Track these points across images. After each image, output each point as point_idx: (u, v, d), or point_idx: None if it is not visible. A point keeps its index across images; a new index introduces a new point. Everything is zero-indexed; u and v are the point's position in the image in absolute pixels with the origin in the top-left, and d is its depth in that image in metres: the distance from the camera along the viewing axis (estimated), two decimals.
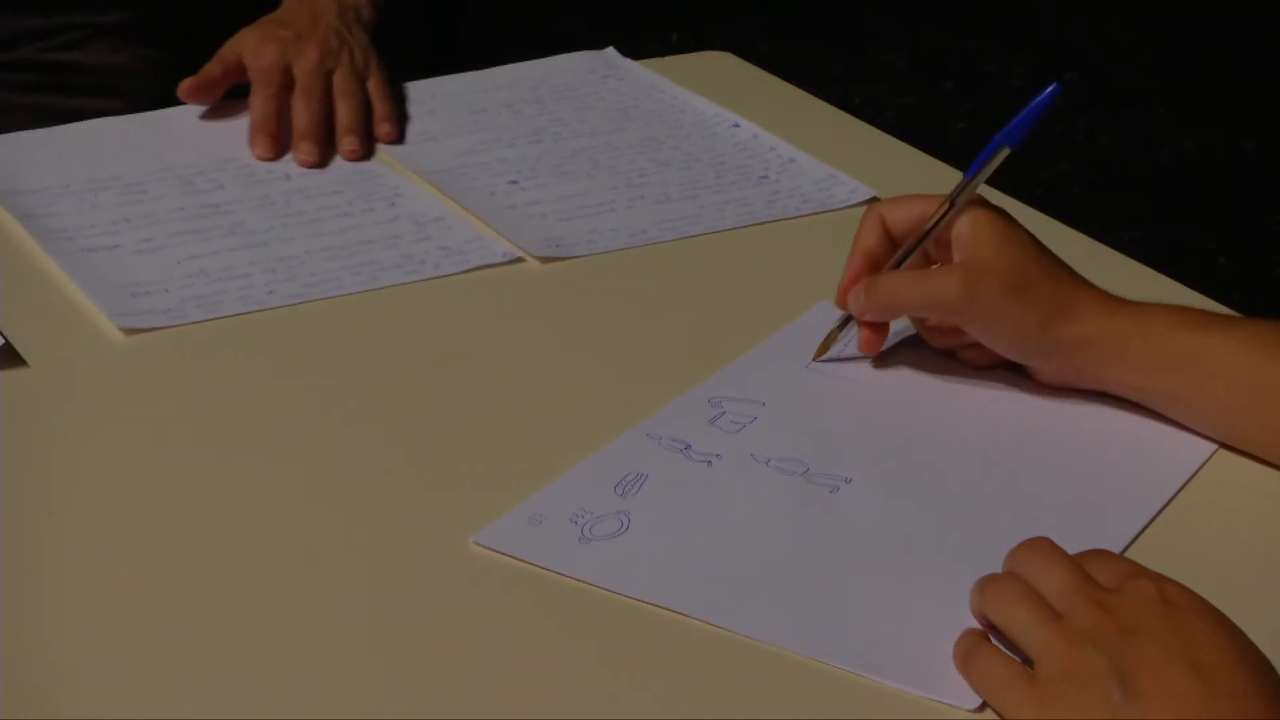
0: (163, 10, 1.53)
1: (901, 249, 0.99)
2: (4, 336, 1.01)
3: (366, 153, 1.29)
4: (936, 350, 1.03)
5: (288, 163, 1.27)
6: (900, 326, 1.06)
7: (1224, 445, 0.95)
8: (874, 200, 1.24)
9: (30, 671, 0.76)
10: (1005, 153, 0.98)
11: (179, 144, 1.29)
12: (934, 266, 1.00)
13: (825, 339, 1.02)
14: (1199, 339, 0.94)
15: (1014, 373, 1.01)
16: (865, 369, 1.02)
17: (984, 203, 0.98)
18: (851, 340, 1.02)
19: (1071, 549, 0.79)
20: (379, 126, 1.31)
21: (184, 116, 1.34)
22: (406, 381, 1.01)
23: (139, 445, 0.94)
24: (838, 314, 1.03)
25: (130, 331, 1.04)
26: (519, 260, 1.15)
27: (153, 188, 1.22)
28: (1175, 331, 0.94)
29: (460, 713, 0.75)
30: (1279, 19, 3.55)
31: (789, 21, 3.74)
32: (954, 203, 0.97)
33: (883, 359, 1.03)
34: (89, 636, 0.79)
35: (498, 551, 0.85)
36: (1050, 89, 0.95)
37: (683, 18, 3.65)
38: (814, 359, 1.02)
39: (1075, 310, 0.95)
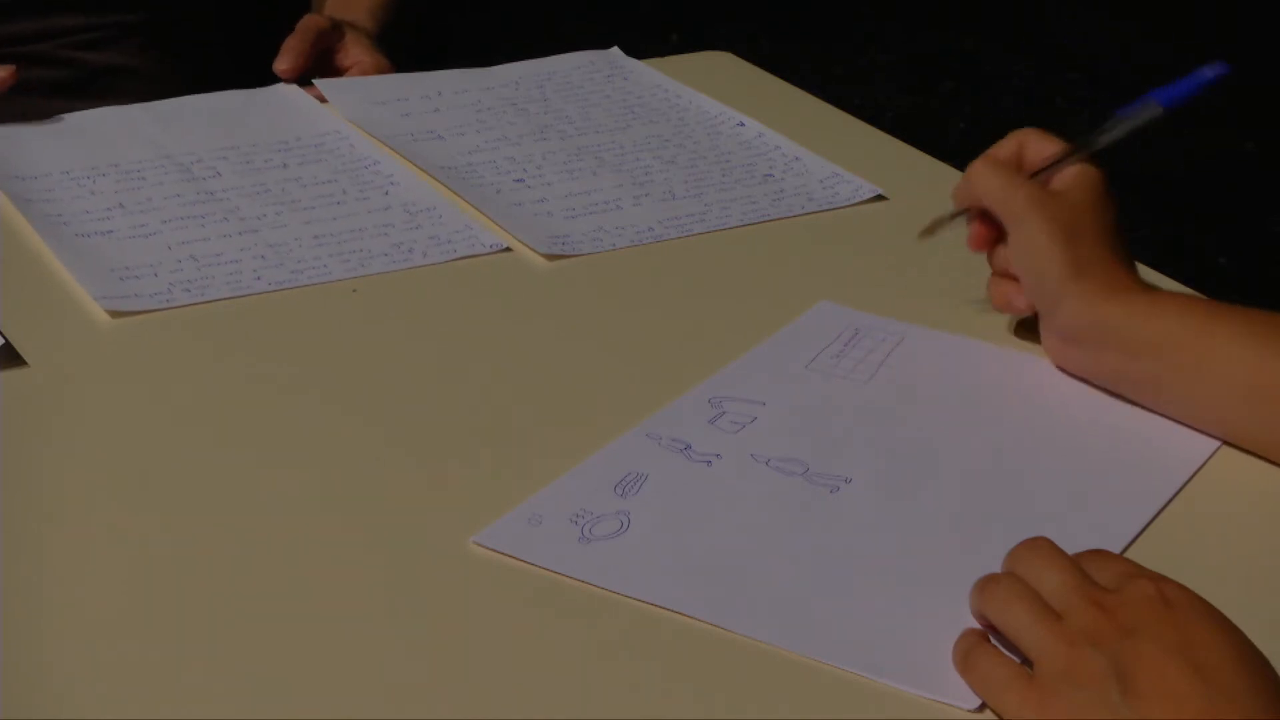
0: (180, 13, 1.54)
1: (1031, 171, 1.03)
2: (4, 336, 1.01)
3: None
4: (935, 352, 1.04)
5: (285, 152, 1.28)
6: (901, 327, 1.06)
7: (1225, 442, 0.95)
8: (879, 199, 1.25)
9: (30, 671, 0.76)
10: (1155, 111, 1.01)
11: (181, 132, 1.30)
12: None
13: (935, 221, 1.07)
14: (1199, 324, 0.95)
15: (1014, 373, 1.01)
16: (865, 369, 1.02)
17: (1098, 170, 1.01)
18: (851, 353, 1.03)
19: (1071, 549, 0.79)
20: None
21: (187, 106, 1.35)
22: (407, 379, 1.01)
23: (133, 440, 0.94)
24: (842, 312, 1.05)
25: (115, 314, 1.05)
26: (506, 250, 1.15)
27: (151, 174, 1.23)
28: (1175, 313, 0.96)
29: (460, 713, 0.75)
30: (1279, 19, 3.55)
31: (789, 21, 3.74)
32: (1089, 139, 1.01)
33: (882, 359, 1.03)
34: (88, 636, 0.79)
35: (498, 551, 0.85)
36: (1218, 68, 0.98)
37: (683, 18, 3.66)
38: (918, 237, 1.07)
39: (1100, 277, 0.97)
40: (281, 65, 1.40)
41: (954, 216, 1.05)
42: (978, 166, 1.02)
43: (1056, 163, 1.01)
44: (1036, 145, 1.03)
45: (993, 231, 1.03)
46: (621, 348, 1.06)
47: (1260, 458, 0.94)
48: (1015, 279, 1.02)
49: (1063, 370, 1.02)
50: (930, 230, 1.07)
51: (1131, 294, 0.97)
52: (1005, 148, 1.04)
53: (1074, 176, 1.01)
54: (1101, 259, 0.98)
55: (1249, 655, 0.71)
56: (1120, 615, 0.73)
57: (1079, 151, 1.01)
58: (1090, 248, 0.98)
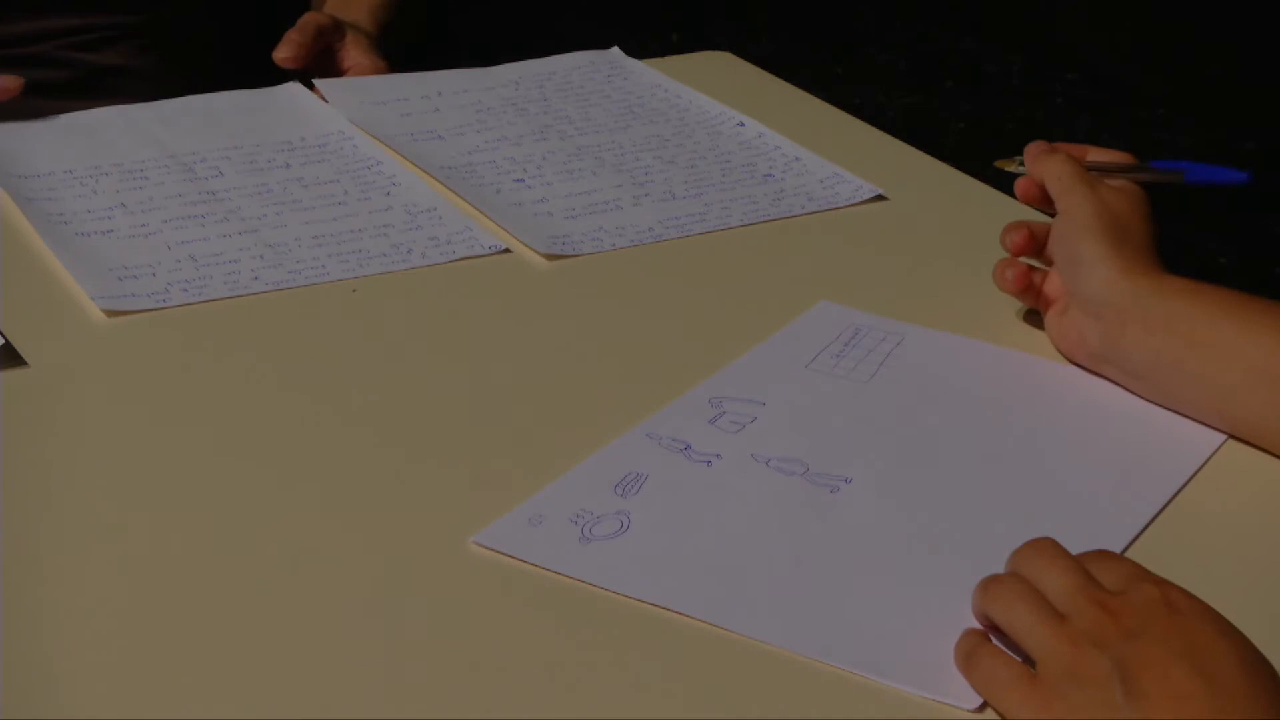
0: (180, 13, 1.54)
1: (1095, 161, 1.07)
2: (4, 336, 1.01)
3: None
4: (935, 352, 1.04)
5: (288, 152, 1.28)
6: (901, 327, 1.06)
7: (1230, 435, 0.95)
8: (879, 199, 1.25)
9: (30, 671, 0.76)
10: (1178, 178, 1.10)
11: (184, 132, 1.30)
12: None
13: (1007, 160, 1.11)
14: (1220, 306, 0.96)
15: (1014, 373, 1.01)
16: (865, 369, 1.02)
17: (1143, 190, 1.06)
18: (851, 353, 1.04)
19: (1073, 548, 0.79)
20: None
21: (191, 105, 1.35)
22: (407, 379, 1.01)
23: (132, 440, 0.94)
24: (842, 311, 1.05)
25: (112, 313, 1.04)
26: (505, 251, 1.15)
27: (154, 174, 1.23)
28: (1198, 295, 0.97)
29: (460, 713, 0.75)
30: (1279, 19, 3.55)
31: (789, 21, 3.74)
32: (1127, 169, 1.07)
33: (882, 359, 1.03)
34: (88, 635, 0.79)
35: (497, 551, 0.85)
36: (1243, 176, 1.09)
37: (683, 18, 3.65)
38: (995, 164, 1.12)
39: (1133, 255, 1.00)
40: (281, 54, 1.40)
41: (1019, 165, 1.10)
42: (1063, 156, 1.06)
43: (1109, 170, 1.06)
44: (1100, 156, 1.08)
45: (1040, 195, 1.06)
46: (621, 348, 1.06)
47: (1263, 450, 0.94)
48: (1032, 266, 1.05)
49: (1070, 359, 1.03)
50: (1002, 165, 1.12)
51: (1160, 274, 0.99)
52: (1099, 154, 1.08)
53: (1122, 183, 1.05)
54: (1137, 240, 1.01)
55: (1252, 658, 0.71)
56: (1124, 618, 0.73)
57: (1123, 172, 1.06)
58: (1129, 232, 1.01)
